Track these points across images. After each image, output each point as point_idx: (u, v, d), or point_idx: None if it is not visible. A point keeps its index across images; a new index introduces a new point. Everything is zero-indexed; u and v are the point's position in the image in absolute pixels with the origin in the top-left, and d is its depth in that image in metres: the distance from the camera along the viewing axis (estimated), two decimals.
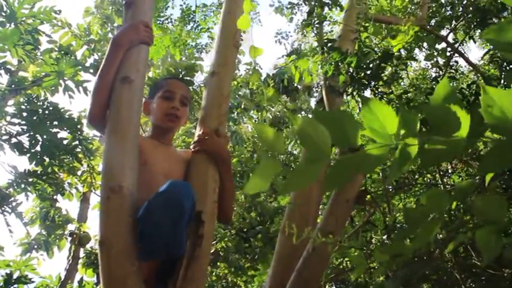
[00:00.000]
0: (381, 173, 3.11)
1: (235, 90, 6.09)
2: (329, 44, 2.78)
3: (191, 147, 1.98)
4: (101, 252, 1.61)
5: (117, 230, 1.60)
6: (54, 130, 4.26)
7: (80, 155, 4.51)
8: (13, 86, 5.04)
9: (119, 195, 1.63)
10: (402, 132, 0.85)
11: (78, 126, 4.35)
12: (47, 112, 4.26)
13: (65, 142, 4.30)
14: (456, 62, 2.90)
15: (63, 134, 4.36)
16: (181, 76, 4.34)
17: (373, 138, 0.86)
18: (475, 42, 3.32)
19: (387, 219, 2.80)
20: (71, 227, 6.46)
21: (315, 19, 2.99)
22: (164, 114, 2.01)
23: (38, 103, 4.36)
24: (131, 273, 1.57)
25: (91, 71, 4.91)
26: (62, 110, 4.38)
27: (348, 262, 3.93)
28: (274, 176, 0.79)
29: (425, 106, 0.85)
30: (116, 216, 1.62)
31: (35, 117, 4.21)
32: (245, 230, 4.81)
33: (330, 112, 0.83)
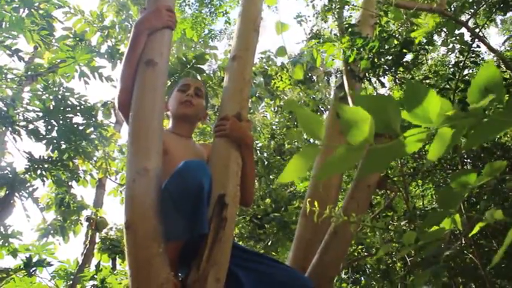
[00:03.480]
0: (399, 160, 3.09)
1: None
2: (350, 29, 2.74)
3: (213, 131, 1.99)
4: (127, 235, 1.62)
5: (143, 213, 1.61)
6: (69, 115, 4.29)
7: (96, 141, 4.54)
8: (29, 72, 5.07)
9: (145, 178, 1.64)
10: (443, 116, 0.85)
11: (93, 113, 4.38)
12: (60, 97, 4.29)
13: (80, 128, 4.33)
14: (478, 46, 2.85)
15: (78, 119, 4.39)
16: (192, 64, 4.36)
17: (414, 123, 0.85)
18: (496, 26, 3.27)
19: (408, 204, 2.79)
20: (86, 213, 6.56)
21: (336, 4, 2.96)
22: (179, 103, 2.08)
23: (54, 89, 4.39)
24: (157, 255, 1.58)
25: (106, 57, 4.93)
26: (76, 96, 4.42)
27: (363, 250, 3.93)
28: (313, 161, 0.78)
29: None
30: (142, 199, 1.62)
31: (50, 103, 4.24)
32: (259, 216, 4.83)
33: (372, 96, 0.81)
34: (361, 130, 0.77)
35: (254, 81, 6.40)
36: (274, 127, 6.42)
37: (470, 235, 2.52)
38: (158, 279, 1.58)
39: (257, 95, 6.37)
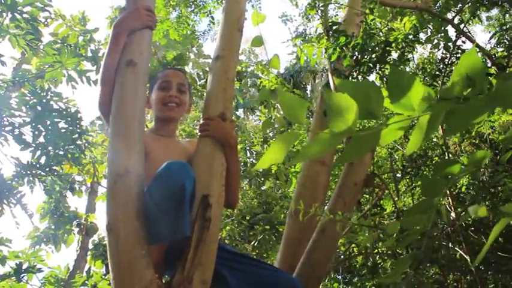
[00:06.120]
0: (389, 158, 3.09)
1: (242, 87, 6.08)
2: (334, 27, 2.74)
3: (197, 131, 1.97)
4: (109, 237, 1.60)
5: (125, 215, 1.59)
6: (56, 120, 4.25)
7: (82, 147, 4.50)
8: (16, 79, 5.02)
9: (126, 179, 1.61)
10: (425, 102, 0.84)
11: (78, 118, 4.32)
12: (46, 101, 4.25)
13: (67, 133, 4.29)
14: (464, 42, 2.86)
15: (64, 124, 4.34)
16: (172, 66, 4.33)
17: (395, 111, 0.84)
18: (481, 21, 3.28)
19: (396, 200, 2.78)
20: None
21: (320, 1, 2.95)
22: (163, 104, 2.01)
23: (42, 94, 4.35)
24: (140, 257, 1.56)
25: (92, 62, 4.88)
26: (65, 101, 4.38)
27: (355, 248, 3.92)
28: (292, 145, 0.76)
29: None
30: (124, 201, 1.60)
31: (38, 107, 4.20)
32: (247, 218, 4.83)
33: (355, 82, 0.80)
34: (346, 117, 0.76)
35: (249, 90, 6.42)
36: (267, 131, 6.41)
37: (460, 234, 2.53)
38: (142, 282, 1.56)
39: (251, 107, 6.41)
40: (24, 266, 4.18)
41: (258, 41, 2.13)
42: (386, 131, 0.82)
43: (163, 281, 1.69)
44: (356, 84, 0.76)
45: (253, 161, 5.08)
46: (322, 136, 0.74)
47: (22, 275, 4.10)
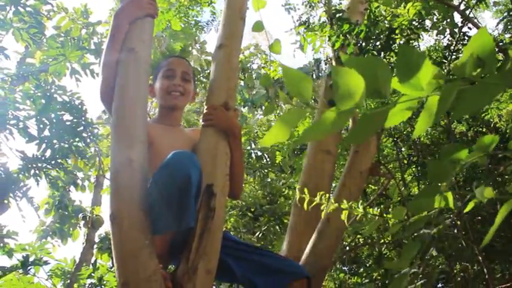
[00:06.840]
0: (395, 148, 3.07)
1: (247, 81, 6.05)
2: (338, 15, 2.70)
3: (200, 120, 1.96)
4: (112, 227, 1.59)
5: (129, 204, 1.58)
6: (61, 113, 4.25)
7: (88, 140, 4.49)
8: (21, 72, 5.02)
9: (130, 168, 1.60)
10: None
11: (83, 110, 4.32)
12: (50, 94, 4.25)
13: (72, 126, 4.28)
14: (470, 28, 2.82)
15: (69, 117, 4.34)
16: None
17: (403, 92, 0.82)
18: (487, 6, 3.22)
19: (402, 190, 2.76)
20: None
21: None
22: (167, 92, 2.01)
23: (46, 87, 4.35)
24: (144, 247, 1.55)
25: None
26: (69, 94, 4.37)
27: (361, 239, 3.91)
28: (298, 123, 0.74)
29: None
30: (127, 190, 1.59)
31: (40, 102, 4.20)
32: (252, 209, 4.83)
33: (362, 58, 0.77)
34: (353, 94, 0.73)
35: (254, 83, 6.41)
36: (272, 123, 6.41)
37: (467, 223, 2.50)
38: (146, 272, 1.55)
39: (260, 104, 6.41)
40: (31, 259, 4.21)
41: (258, 26, 2.10)
42: (394, 111, 0.80)
43: (168, 272, 1.68)
44: (363, 61, 0.73)
45: (258, 152, 5.07)
46: (328, 114, 0.72)
47: (29, 268, 4.13)
